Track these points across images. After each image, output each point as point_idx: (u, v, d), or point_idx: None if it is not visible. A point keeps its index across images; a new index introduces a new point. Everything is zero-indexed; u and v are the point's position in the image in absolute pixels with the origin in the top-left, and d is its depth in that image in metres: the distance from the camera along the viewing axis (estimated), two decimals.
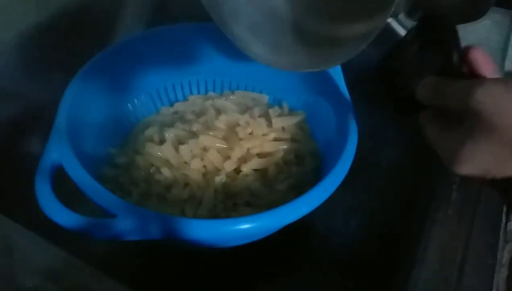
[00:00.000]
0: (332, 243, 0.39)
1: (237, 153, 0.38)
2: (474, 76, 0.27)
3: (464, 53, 0.27)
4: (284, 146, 0.40)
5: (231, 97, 0.45)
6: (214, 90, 0.47)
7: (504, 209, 0.31)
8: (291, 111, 0.44)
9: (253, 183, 0.37)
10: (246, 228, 0.27)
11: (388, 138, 0.44)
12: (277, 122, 0.41)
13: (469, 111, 0.23)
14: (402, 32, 0.37)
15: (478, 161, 0.24)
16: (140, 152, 0.39)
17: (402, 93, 0.30)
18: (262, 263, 0.37)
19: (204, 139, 0.38)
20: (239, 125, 0.40)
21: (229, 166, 0.37)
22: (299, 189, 0.37)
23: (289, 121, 0.41)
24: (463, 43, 0.28)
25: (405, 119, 0.30)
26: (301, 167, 0.40)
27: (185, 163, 0.38)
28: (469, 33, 0.31)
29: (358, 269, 0.37)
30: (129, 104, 0.43)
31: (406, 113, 0.31)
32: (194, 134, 0.39)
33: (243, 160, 0.38)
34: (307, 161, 0.40)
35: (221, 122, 0.40)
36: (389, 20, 0.32)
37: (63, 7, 0.41)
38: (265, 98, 0.46)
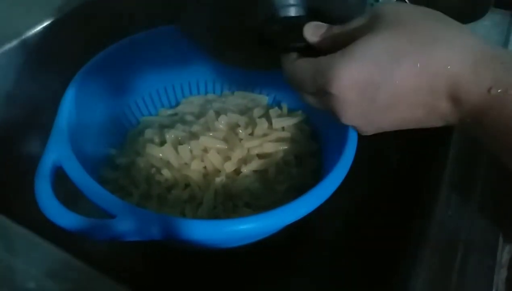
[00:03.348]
0: (332, 244, 0.39)
1: (237, 154, 0.38)
2: None
3: None
4: (284, 147, 0.40)
5: (230, 98, 0.45)
6: (213, 92, 0.47)
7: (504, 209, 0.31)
8: (291, 112, 0.44)
9: (253, 184, 0.37)
10: (246, 228, 0.27)
11: (388, 138, 0.44)
12: (277, 123, 0.41)
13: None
14: None
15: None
16: (140, 153, 0.39)
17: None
18: (262, 264, 0.37)
19: (205, 140, 0.38)
20: (239, 126, 0.40)
21: (229, 167, 0.37)
22: (299, 189, 0.37)
23: (289, 122, 0.41)
24: None
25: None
26: (300, 167, 0.40)
27: (186, 164, 0.38)
28: None
29: (358, 270, 0.37)
30: (129, 105, 0.43)
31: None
32: (194, 136, 0.39)
33: (243, 160, 0.38)
34: (306, 161, 0.40)
35: (221, 123, 0.40)
36: None
37: (63, 8, 0.41)
38: (264, 99, 0.46)
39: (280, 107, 0.44)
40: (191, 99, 0.46)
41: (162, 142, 0.39)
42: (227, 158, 0.38)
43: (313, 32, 0.27)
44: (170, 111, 0.45)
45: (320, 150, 0.41)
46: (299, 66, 0.27)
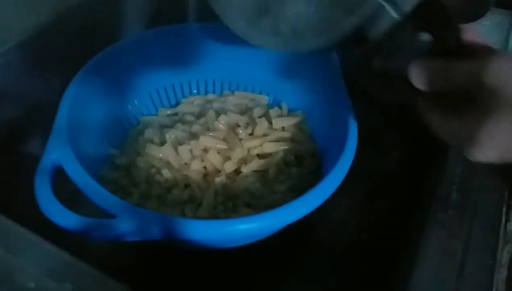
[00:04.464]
0: (332, 244, 0.39)
1: (237, 154, 0.38)
2: (472, 56, 0.24)
3: (460, 34, 0.26)
4: (284, 147, 0.40)
5: (230, 98, 0.45)
6: (213, 91, 0.47)
7: (504, 209, 0.31)
8: (291, 112, 0.44)
9: (253, 184, 0.37)
10: (246, 228, 0.27)
11: (388, 138, 0.44)
12: (277, 123, 0.41)
13: (481, 90, 0.22)
14: None
15: (498, 141, 0.22)
16: (140, 153, 0.39)
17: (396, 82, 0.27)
18: (262, 264, 0.37)
19: (205, 140, 0.38)
20: (239, 126, 0.40)
21: (229, 167, 0.37)
22: (299, 189, 0.37)
23: (289, 122, 0.41)
24: None
25: (405, 118, 0.29)
26: (300, 167, 0.40)
27: (186, 164, 0.38)
28: None
29: (357, 270, 0.37)
30: (129, 105, 0.43)
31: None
32: (194, 136, 0.39)
33: (243, 160, 0.38)
34: (306, 161, 0.40)
35: (221, 123, 0.40)
36: None
37: (63, 7, 0.41)
38: (264, 99, 0.46)
39: (280, 107, 0.44)
40: (191, 99, 0.46)
41: (162, 143, 0.39)
42: (227, 158, 0.38)
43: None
44: (170, 111, 0.45)
45: (320, 150, 0.41)
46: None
